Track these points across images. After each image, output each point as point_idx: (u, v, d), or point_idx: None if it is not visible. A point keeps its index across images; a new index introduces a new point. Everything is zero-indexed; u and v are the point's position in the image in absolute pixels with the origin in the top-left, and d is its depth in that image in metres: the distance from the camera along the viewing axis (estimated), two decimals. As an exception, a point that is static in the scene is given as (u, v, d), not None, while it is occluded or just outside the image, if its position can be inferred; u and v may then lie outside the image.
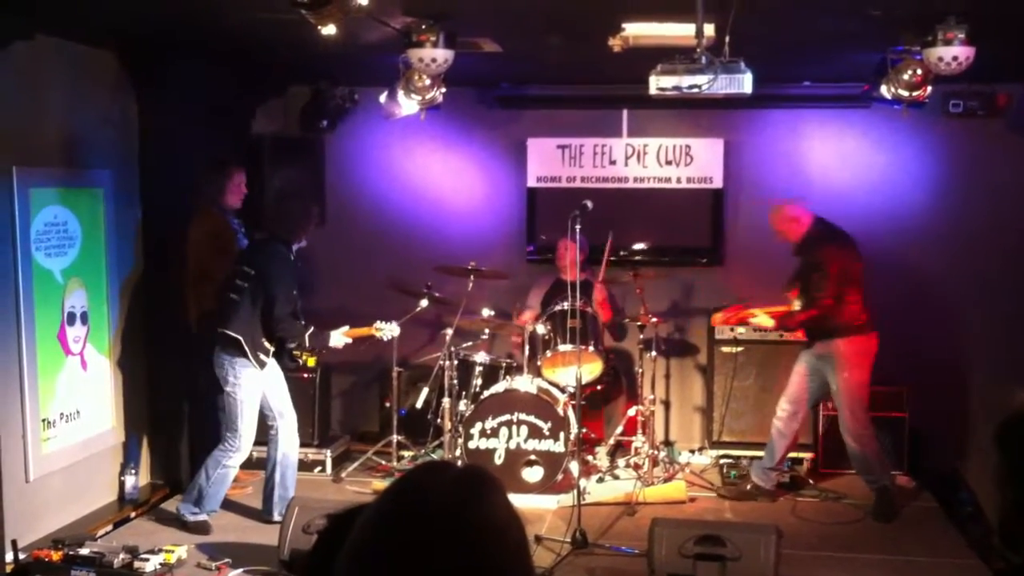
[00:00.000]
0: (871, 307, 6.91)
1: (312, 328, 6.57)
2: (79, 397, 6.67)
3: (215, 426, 7.15)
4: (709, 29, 5.11)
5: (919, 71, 6.05)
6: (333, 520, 1.72)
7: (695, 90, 4.88)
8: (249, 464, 6.99)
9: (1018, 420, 1.94)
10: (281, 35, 6.01)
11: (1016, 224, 7.94)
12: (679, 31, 5.42)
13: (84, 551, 5.68)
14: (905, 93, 6.29)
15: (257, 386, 6.51)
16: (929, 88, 6.33)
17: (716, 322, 7.62)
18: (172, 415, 7.36)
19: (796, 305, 6.94)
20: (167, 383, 7.30)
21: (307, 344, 6.58)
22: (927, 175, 8.14)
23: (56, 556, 5.65)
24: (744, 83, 4.93)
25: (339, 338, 6.76)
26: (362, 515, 1.56)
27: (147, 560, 5.73)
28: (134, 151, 7.18)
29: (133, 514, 6.91)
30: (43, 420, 6.31)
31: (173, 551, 5.92)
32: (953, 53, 5.42)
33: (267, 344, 6.47)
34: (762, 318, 7.17)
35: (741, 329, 7.95)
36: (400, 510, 1.52)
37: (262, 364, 6.45)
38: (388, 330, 6.98)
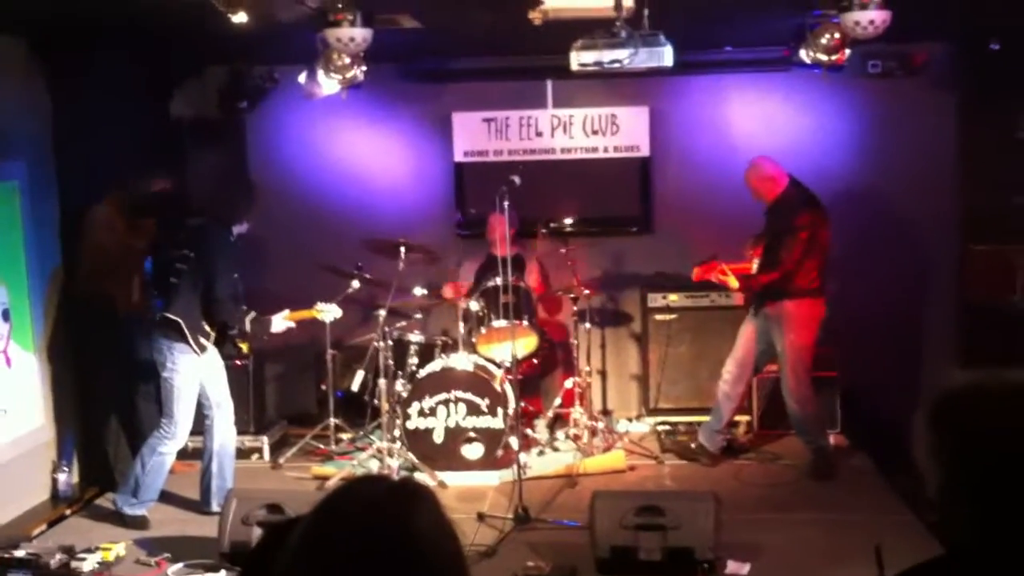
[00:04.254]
0: (826, 274, 6.93)
1: (253, 313, 6.49)
2: (5, 395, 6.52)
3: (148, 418, 7.05)
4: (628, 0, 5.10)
5: (837, 35, 6.11)
6: (266, 535, 1.70)
7: (616, 65, 4.87)
8: (185, 455, 6.90)
9: (951, 400, 1.93)
10: (195, 17, 5.87)
11: (936, 181, 8.06)
12: (598, 3, 5.39)
13: (20, 553, 5.58)
14: (824, 57, 6.36)
15: (195, 372, 6.40)
16: (847, 51, 6.39)
17: (695, 277, 7.21)
18: (103, 409, 7.21)
19: (754, 265, 6.94)
20: (96, 377, 7.14)
21: (247, 328, 6.49)
22: (848, 135, 8.23)
23: (-10, 560, 5.54)
24: (664, 56, 4.94)
25: (281, 322, 6.66)
26: (293, 532, 1.53)
27: (84, 559, 5.63)
28: (49, 141, 6.99)
29: (68, 511, 6.78)
30: (-32, 422, 6.18)
31: (111, 548, 5.84)
32: (869, 17, 5.50)
33: (207, 328, 6.37)
34: (730, 278, 7.02)
35: (674, 296, 8.01)
36: (330, 530, 1.50)
37: (202, 348, 6.35)
38: (329, 311, 6.90)
